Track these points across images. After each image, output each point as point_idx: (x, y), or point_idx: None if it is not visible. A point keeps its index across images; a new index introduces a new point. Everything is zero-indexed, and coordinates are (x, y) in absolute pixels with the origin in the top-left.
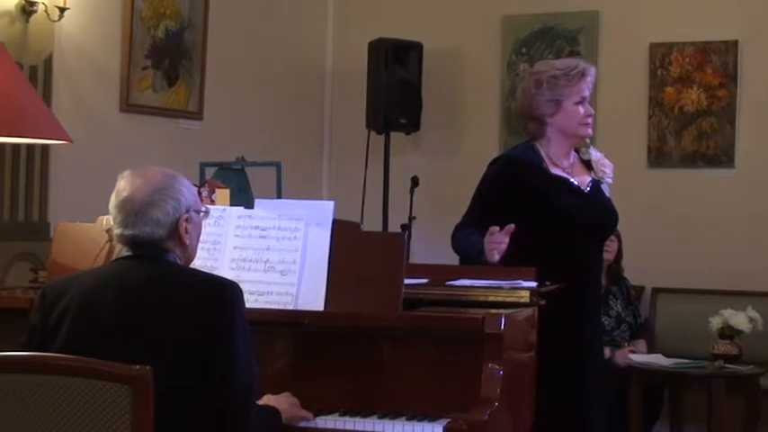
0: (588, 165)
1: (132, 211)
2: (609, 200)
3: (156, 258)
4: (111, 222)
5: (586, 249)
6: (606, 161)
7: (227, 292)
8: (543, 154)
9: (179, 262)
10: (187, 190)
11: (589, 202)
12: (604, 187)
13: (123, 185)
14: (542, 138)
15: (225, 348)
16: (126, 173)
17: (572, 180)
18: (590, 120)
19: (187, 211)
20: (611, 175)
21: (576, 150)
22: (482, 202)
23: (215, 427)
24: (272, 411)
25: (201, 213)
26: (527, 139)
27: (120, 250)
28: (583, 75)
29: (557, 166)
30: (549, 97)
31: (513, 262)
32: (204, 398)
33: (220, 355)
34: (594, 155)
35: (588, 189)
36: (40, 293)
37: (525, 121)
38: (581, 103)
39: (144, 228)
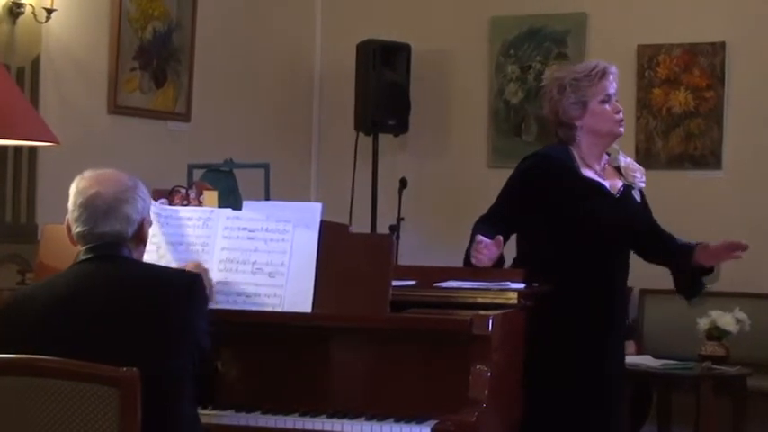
0: (619, 171)
1: (102, 208)
2: (640, 205)
3: (115, 257)
4: (71, 223)
5: (612, 254)
6: (636, 166)
7: (194, 281)
8: (576, 155)
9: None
10: (147, 193)
11: (618, 206)
12: (635, 193)
13: (86, 184)
14: (573, 142)
15: (203, 339)
16: (85, 174)
17: (603, 183)
18: (620, 116)
19: (149, 213)
20: (642, 180)
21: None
22: (509, 197)
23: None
24: None
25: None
26: (558, 142)
27: (79, 253)
28: (604, 73)
29: (589, 167)
30: (573, 100)
31: (536, 264)
32: (185, 383)
33: (202, 346)
34: (623, 160)
35: (619, 194)
36: (5, 305)
37: (554, 127)
38: (607, 101)
39: (115, 225)
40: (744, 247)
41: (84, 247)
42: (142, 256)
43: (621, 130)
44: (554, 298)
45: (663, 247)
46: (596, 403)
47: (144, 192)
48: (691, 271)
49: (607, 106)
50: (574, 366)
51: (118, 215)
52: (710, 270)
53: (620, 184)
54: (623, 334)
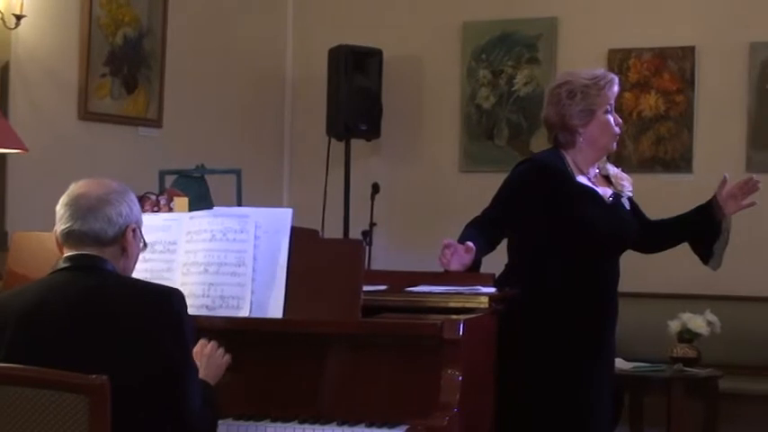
0: (608, 179)
1: (85, 206)
2: (629, 213)
3: (95, 268)
4: (57, 222)
5: (605, 259)
6: (624, 175)
7: (170, 299)
8: (570, 161)
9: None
10: (137, 206)
11: (611, 213)
12: (624, 201)
13: (75, 187)
14: (571, 147)
15: (174, 355)
16: (77, 182)
17: (597, 190)
18: (619, 130)
19: (136, 224)
20: (630, 189)
21: None
22: (503, 201)
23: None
24: (210, 390)
25: (142, 243)
26: (552, 146)
27: (58, 262)
28: (611, 83)
29: (583, 174)
30: (582, 107)
31: (528, 269)
32: (157, 405)
33: (170, 362)
34: (612, 170)
35: (610, 201)
36: None
37: (555, 131)
38: (610, 111)
39: (95, 224)
40: (754, 182)
41: (65, 255)
42: (128, 267)
43: (615, 145)
44: (545, 301)
45: (666, 229)
46: (585, 405)
47: (132, 200)
48: (704, 231)
49: (610, 117)
50: (564, 370)
51: (98, 214)
52: (718, 228)
53: (610, 192)
54: (613, 340)
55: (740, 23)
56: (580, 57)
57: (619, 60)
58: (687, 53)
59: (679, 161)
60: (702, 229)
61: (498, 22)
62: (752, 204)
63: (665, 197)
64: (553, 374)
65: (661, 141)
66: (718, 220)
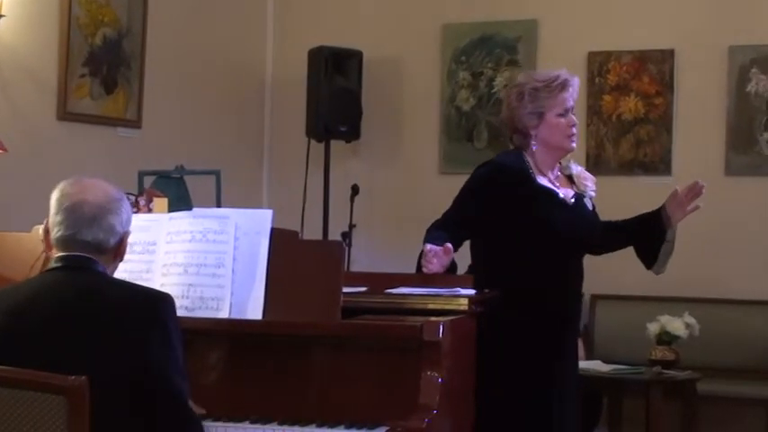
0: (571, 179)
1: (89, 214)
2: (592, 213)
3: (87, 269)
4: (51, 226)
5: (566, 259)
6: (587, 174)
7: (159, 304)
8: (531, 163)
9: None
10: (130, 209)
11: (572, 214)
12: (587, 201)
13: (73, 190)
14: (526, 149)
15: (158, 360)
16: (71, 180)
17: (557, 191)
18: (574, 130)
19: (129, 228)
20: (593, 188)
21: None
22: (466, 202)
23: None
24: None
25: None
26: (515, 148)
27: (50, 262)
28: (564, 86)
29: (543, 175)
30: (530, 110)
31: (491, 270)
32: (138, 409)
33: (154, 367)
34: (575, 169)
35: (572, 202)
36: None
37: (510, 133)
38: (564, 114)
39: (98, 233)
40: (699, 187)
41: (57, 255)
42: (114, 271)
43: (573, 145)
44: (508, 303)
45: (613, 232)
46: (551, 404)
47: (128, 206)
48: (650, 238)
49: (563, 119)
50: (529, 369)
51: (102, 224)
52: (663, 236)
53: (571, 192)
54: (576, 337)
55: (719, 27)
56: (560, 59)
57: (598, 63)
58: (667, 56)
59: (658, 164)
60: (649, 236)
61: (478, 25)
62: (696, 208)
63: (644, 199)
64: (516, 375)
65: (641, 144)
66: (664, 229)
